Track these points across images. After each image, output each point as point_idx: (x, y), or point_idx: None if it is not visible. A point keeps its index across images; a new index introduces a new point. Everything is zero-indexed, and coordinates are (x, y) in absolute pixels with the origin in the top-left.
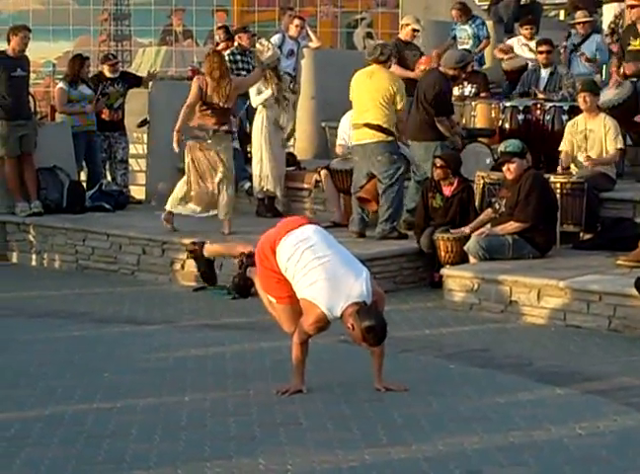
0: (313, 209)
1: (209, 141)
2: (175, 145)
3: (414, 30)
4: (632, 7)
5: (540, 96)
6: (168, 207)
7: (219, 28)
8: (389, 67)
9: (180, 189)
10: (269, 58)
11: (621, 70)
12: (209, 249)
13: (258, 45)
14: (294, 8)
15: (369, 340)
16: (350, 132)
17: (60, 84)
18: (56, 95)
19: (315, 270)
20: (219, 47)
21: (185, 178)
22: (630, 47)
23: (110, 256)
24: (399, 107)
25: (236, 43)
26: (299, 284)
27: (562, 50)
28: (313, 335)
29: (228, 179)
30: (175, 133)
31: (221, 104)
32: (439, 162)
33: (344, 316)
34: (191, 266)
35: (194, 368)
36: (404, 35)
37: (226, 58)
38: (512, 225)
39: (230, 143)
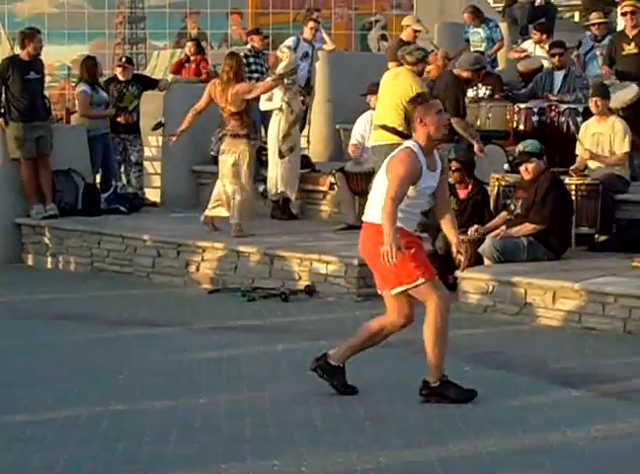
0: (328, 212)
1: (222, 144)
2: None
3: (415, 30)
4: (624, 14)
5: (552, 98)
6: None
7: (190, 40)
8: (420, 70)
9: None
10: (284, 67)
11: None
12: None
13: (278, 53)
14: (320, 9)
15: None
16: (362, 133)
17: (83, 87)
18: (79, 98)
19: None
20: (189, 61)
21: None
22: (624, 52)
23: (125, 258)
24: None
25: (249, 45)
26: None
27: (575, 53)
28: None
29: (238, 183)
30: (174, 136)
31: (228, 108)
32: (454, 165)
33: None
34: (205, 268)
35: (209, 371)
36: (405, 35)
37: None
38: (527, 227)
39: (244, 146)
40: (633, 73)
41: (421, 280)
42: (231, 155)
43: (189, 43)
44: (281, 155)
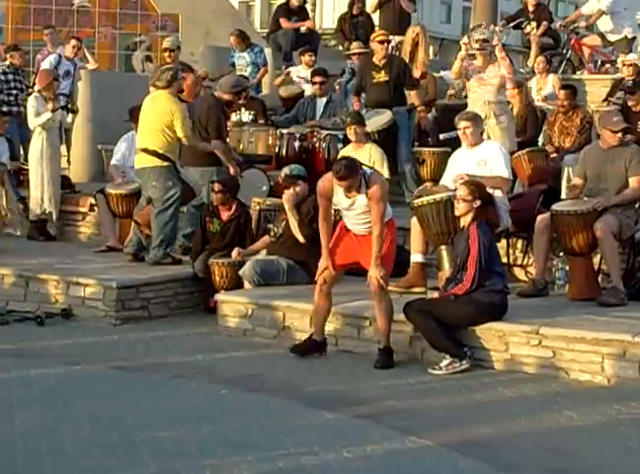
0: (87, 233)
1: None
2: None
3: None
4: (380, 43)
5: (310, 123)
6: None
7: None
8: (178, 90)
9: None
10: None
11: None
12: None
13: None
14: (56, 27)
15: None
16: (124, 154)
17: None
18: None
19: None
20: None
21: None
22: (375, 80)
23: None
24: (179, 134)
25: (8, 62)
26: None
27: (338, 82)
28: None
29: None
30: None
31: None
32: (217, 186)
33: None
34: None
35: None
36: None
37: None
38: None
39: None
40: (386, 100)
41: None
42: None
43: None
44: None
